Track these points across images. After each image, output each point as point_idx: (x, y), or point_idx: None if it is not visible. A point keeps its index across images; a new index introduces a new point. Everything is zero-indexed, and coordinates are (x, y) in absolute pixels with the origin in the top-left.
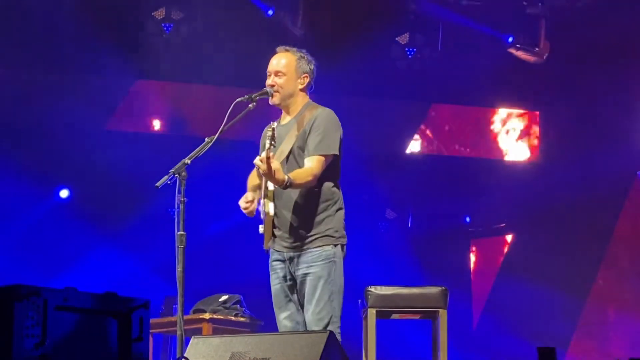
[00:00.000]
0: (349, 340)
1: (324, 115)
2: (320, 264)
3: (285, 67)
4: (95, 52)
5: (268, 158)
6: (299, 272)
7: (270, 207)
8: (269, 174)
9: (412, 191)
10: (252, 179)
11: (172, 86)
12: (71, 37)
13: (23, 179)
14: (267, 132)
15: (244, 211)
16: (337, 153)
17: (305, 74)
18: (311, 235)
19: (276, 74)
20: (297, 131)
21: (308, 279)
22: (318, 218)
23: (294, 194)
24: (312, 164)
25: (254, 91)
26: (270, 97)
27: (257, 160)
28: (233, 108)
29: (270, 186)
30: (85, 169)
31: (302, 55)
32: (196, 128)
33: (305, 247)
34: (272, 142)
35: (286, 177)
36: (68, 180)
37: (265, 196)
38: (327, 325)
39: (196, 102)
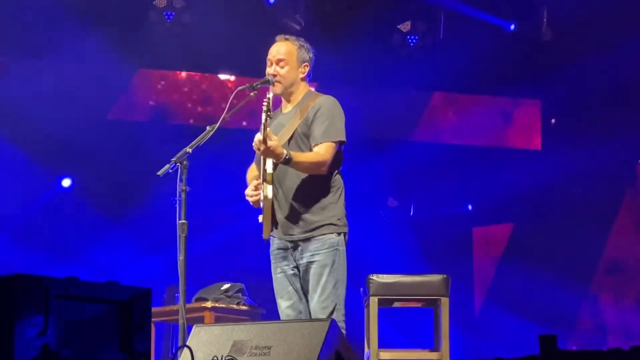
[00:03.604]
0: (351, 329)
1: (328, 103)
2: (325, 252)
3: (287, 56)
4: (97, 41)
5: (265, 138)
6: (303, 261)
7: (269, 190)
8: (269, 152)
9: (414, 179)
10: (252, 172)
11: (173, 75)
12: (73, 26)
13: (25, 168)
14: (263, 106)
15: (251, 199)
16: (344, 139)
17: (306, 63)
18: (315, 222)
19: (278, 62)
20: (299, 118)
21: (312, 267)
22: (322, 205)
23: (297, 181)
24: (321, 150)
25: (255, 80)
26: (271, 86)
27: (254, 143)
28: (234, 96)
29: (269, 169)
30: (88, 158)
31: (302, 44)
32: (197, 116)
33: (309, 235)
34: (268, 114)
35: (285, 151)
36: (70, 170)
37: (264, 180)
38: (332, 313)
39: (198, 90)
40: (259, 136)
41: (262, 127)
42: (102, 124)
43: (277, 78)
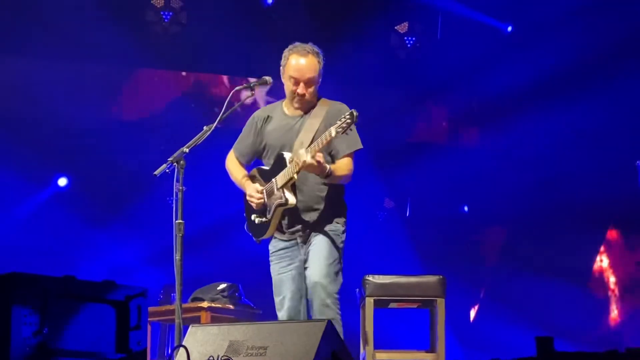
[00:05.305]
0: (348, 329)
1: None
2: (330, 233)
3: (315, 76)
4: (95, 40)
5: (317, 154)
6: (308, 243)
7: (293, 197)
8: (314, 168)
9: (410, 180)
10: (236, 165)
11: (171, 74)
12: (72, 25)
13: (21, 167)
14: (344, 122)
15: (256, 201)
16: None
17: (321, 73)
18: (322, 218)
19: (307, 83)
20: (316, 126)
21: (317, 242)
22: (332, 207)
23: (316, 186)
24: (349, 162)
25: (253, 79)
26: (297, 101)
27: (299, 155)
28: (232, 96)
29: (295, 175)
30: (84, 158)
31: (319, 53)
32: (195, 116)
33: (317, 228)
34: (344, 130)
35: (328, 166)
36: (66, 169)
37: (284, 185)
38: (336, 275)
39: (194, 90)
40: (303, 152)
41: (324, 140)
42: (99, 123)
43: (307, 97)
